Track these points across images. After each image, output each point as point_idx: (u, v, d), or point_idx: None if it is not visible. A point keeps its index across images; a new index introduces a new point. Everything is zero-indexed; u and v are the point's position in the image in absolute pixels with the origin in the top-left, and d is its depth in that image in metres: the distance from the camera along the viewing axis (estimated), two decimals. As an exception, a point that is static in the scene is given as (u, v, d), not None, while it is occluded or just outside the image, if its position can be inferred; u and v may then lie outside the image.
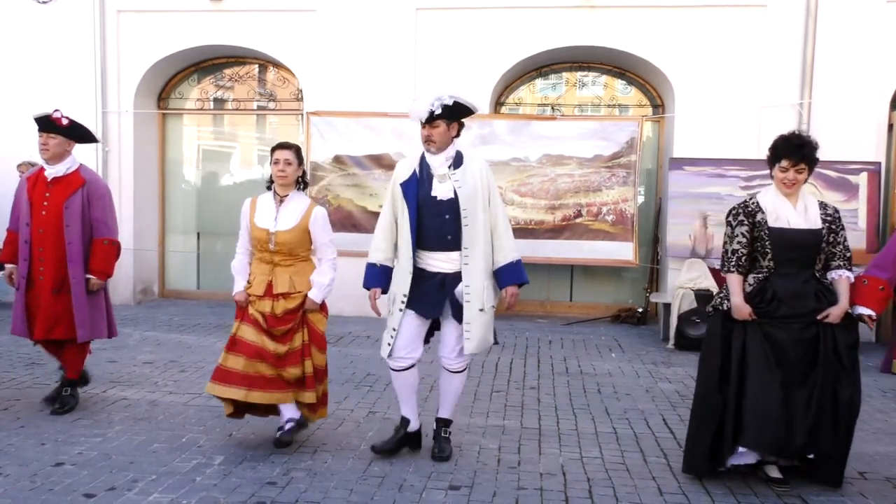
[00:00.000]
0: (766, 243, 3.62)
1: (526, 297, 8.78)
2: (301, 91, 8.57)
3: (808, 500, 3.54)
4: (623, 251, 7.93)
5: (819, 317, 3.55)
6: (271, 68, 9.06)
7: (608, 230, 7.96)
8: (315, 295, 4.05)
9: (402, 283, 3.85)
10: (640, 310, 8.27)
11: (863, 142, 7.50)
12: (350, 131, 8.18)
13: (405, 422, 4.02)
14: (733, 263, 3.68)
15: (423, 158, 3.89)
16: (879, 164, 7.53)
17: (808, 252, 3.61)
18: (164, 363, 6.04)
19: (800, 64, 7.57)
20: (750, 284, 3.67)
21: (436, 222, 3.80)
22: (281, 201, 4.04)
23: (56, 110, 4.62)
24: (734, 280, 3.67)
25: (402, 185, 3.87)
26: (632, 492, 3.64)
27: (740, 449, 3.63)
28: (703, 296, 6.91)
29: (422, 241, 3.83)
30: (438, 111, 3.74)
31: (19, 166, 8.19)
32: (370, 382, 5.54)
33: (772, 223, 3.62)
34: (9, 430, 4.31)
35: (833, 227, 3.65)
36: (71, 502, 3.37)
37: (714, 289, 6.98)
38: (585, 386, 5.60)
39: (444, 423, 4.07)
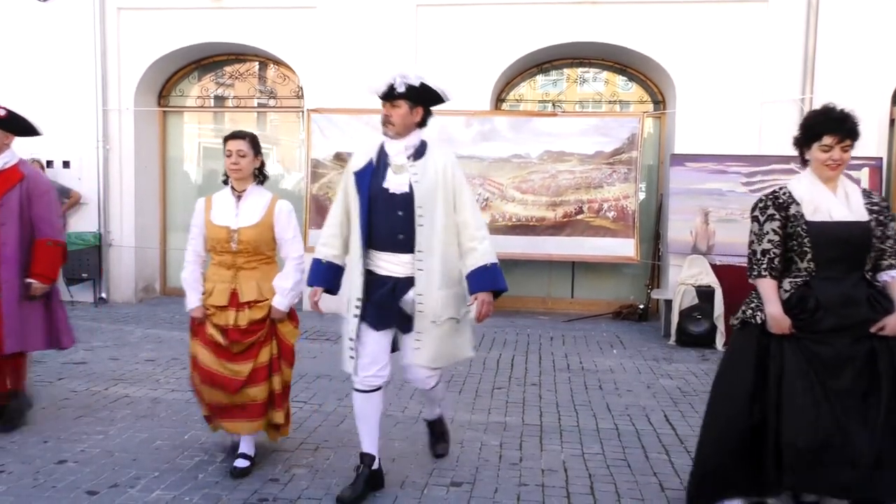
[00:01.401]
0: (805, 240, 3.03)
1: (527, 293, 8.81)
2: (301, 88, 8.56)
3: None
4: (624, 248, 7.93)
5: (873, 328, 2.96)
6: (272, 65, 9.05)
7: (609, 227, 7.95)
8: (279, 302, 3.64)
9: (354, 285, 3.43)
10: (642, 306, 8.26)
11: (864, 137, 7.23)
12: (351, 128, 8.17)
13: (368, 459, 3.52)
14: (765, 266, 3.09)
15: (382, 147, 3.49)
16: (881, 159, 7.52)
17: (856, 249, 3.03)
18: (166, 360, 6.04)
19: (801, 59, 7.56)
20: (786, 291, 3.09)
21: (387, 219, 3.38)
22: (239, 197, 3.67)
23: None
24: (768, 286, 3.07)
25: (356, 174, 3.47)
26: (633, 488, 3.64)
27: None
28: (704, 292, 6.91)
29: (372, 239, 3.41)
30: (401, 89, 3.33)
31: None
32: (372, 379, 5.54)
33: (810, 216, 3.03)
34: (11, 427, 4.33)
35: (882, 218, 3.07)
36: (74, 500, 3.38)
37: (715, 285, 6.97)
38: (587, 382, 5.60)
39: (432, 424, 3.98)
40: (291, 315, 3.77)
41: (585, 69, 8.86)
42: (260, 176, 3.75)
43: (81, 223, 8.67)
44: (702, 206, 7.60)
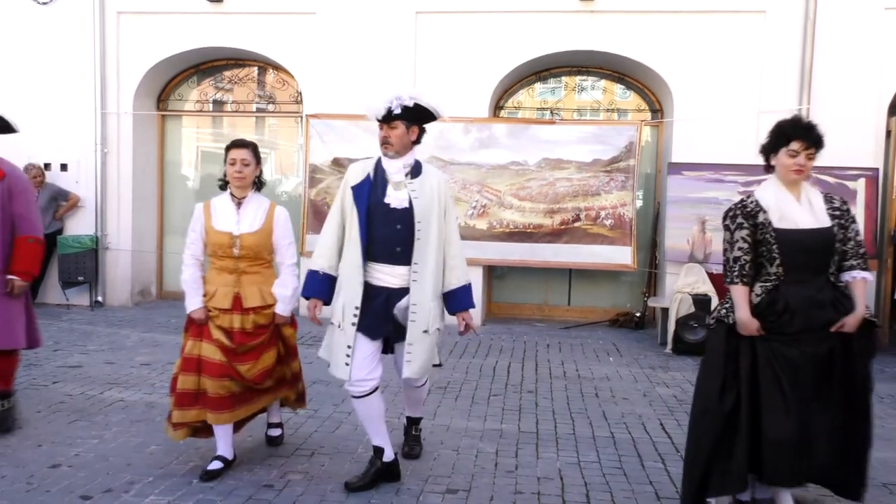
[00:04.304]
0: (773, 248, 3.21)
1: (524, 300, 8.82)
2: (300, 93, 8.58)
3: (805, 506, 3.55)
4: (621, 255, 7.94)
5: (833, 328, 3.18)
6: (271, 70, 9.07)
7: (606, 234, 7.97)
8: (282, 310, 3.84)
9: (353, 293, 3.54)
10: (638, 314, 8.27)
11: (861, 148, 7.53)
12: (349, 134, 8.18)
13: (379, 452, 3.69)
14: (737, 273, 3.27)
15: (378, 162, 3.64)
16: (877, 170, 7.55)
17: (821, 255, 3.21)
18: (162, 365, 6.02)
19: (798, 70, 7.60)
20: (758, 295, 3.26)
21: (385, 232, 3.54)
22: (239, 203, 3.82)
23: None
24: (739, 292, 3.26)
25: (353, 188, 3.62)
26: (629, 496, 3.64)
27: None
28: (701, 300, 6.92)
29: (369, 251, 3.55)
30: (398, 111, 3.50)
31: (26, 167, 8.24)
32: (368, 385, 5.53)
33: (777, 224, 3.21)
34: (5, 431, 4.31)
35: (843, 221, 3.25)
36: (67, 504, 3.37)
37: (712, 293, 6.99)
38: (583, 390, 5.60)
39: (413, 421, 4.13)
40: (290, 319, 3.98)
41: (583, 77, 8.89)
42: (258, 183, 3.91)
43: (79, 226, 8.67)
44: (699, 214, 7.62)
